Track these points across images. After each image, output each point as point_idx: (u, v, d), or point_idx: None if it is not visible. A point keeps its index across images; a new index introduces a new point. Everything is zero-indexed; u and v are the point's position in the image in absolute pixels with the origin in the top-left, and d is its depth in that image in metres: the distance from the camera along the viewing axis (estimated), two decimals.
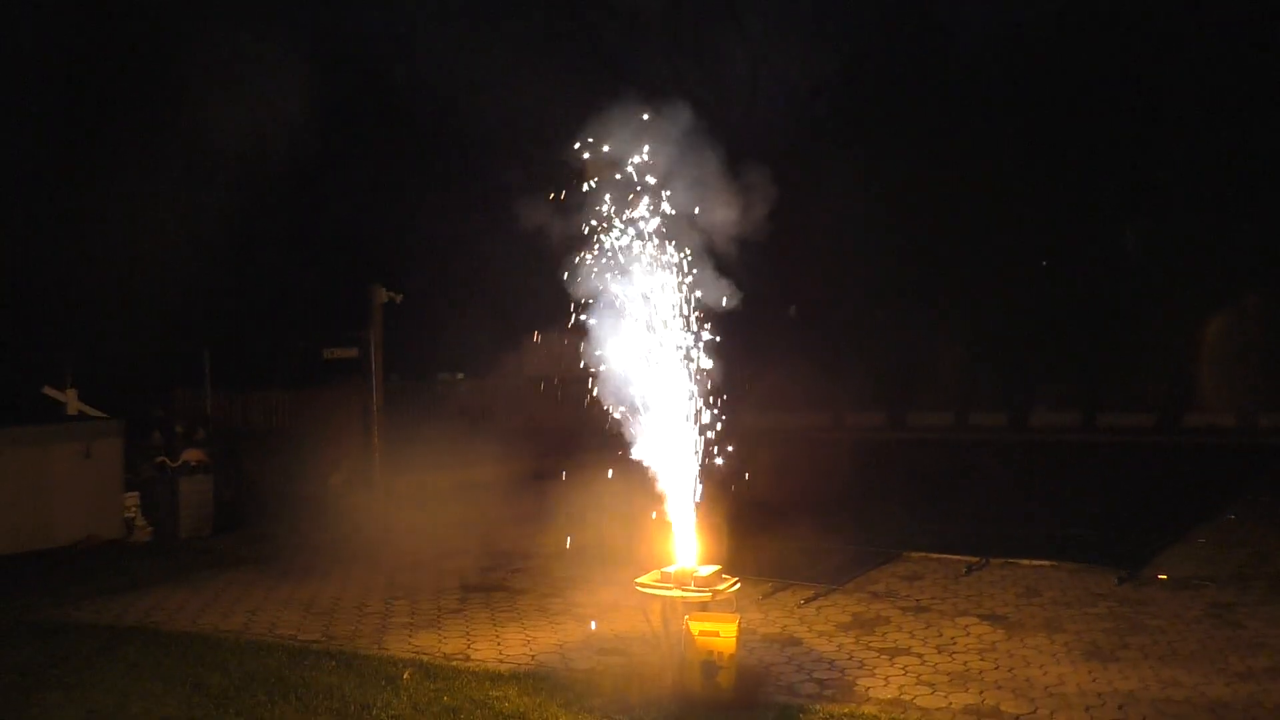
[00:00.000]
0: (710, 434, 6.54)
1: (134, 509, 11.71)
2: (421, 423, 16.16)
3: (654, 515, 6.58)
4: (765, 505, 12.35)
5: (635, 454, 6.53)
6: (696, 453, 6.55)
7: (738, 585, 6.32)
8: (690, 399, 6.53)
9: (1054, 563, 9.13)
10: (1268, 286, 22.22)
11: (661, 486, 6.51)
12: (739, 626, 5.95)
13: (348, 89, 22.32)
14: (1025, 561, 9.23)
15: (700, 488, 6.46)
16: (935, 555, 9.66)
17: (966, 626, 7.40)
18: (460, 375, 20.03)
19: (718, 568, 6.32)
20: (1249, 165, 22.54)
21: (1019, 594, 8.27)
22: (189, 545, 11.33)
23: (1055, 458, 19.23)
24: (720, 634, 5.86)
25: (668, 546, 6.48)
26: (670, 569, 6.29)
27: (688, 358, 6.63)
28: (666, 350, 6.49)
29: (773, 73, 31.29)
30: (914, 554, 9.76)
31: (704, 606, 6.06)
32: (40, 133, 19.38)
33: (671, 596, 6.08)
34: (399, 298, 14.91)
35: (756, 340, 25.03)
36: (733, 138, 30.45)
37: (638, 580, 6.26)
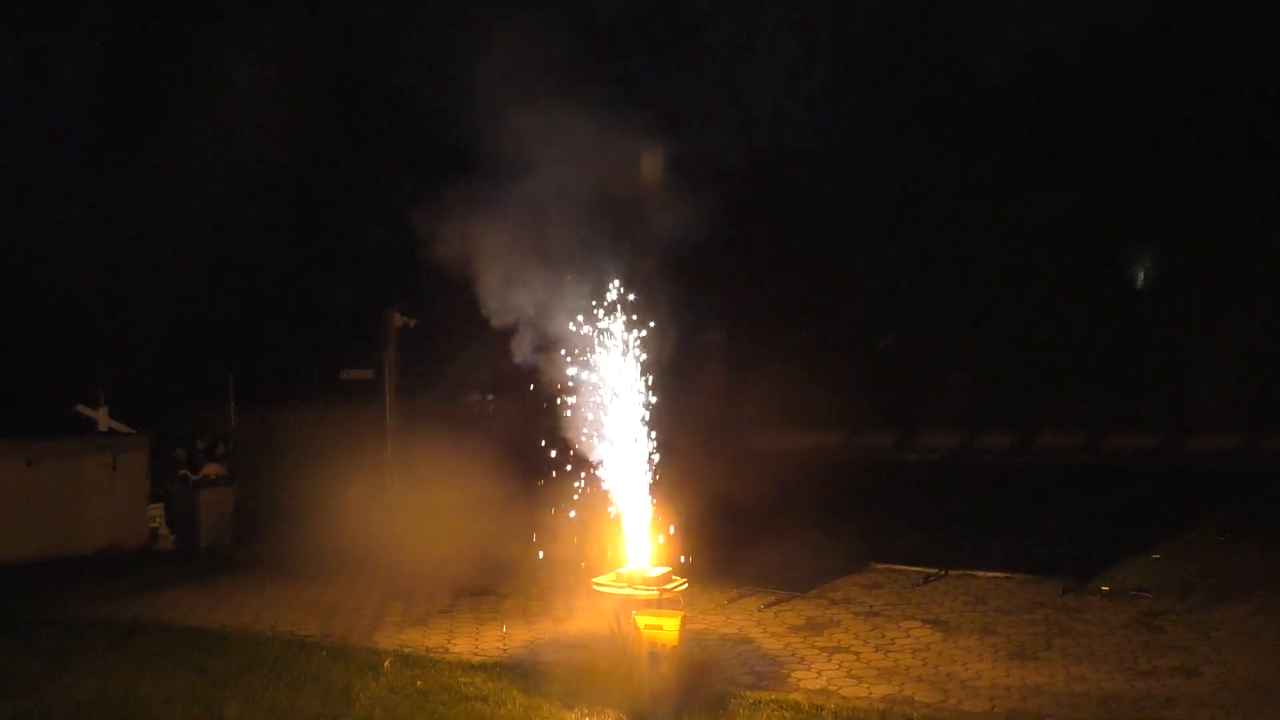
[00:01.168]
0: (657, 455, 7.24)
1: (158, 519, 12.55)
2: (442, 441, 16.92)
3: (614, 521, 7.28)
4: (750, 519, 13.02)
5: (599, 472, 7.26)
6: (649, 469, 7.28)
7: (684, 585, 6.97)
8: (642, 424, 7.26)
9: (1007, 574, 9.69)
10: (1271, 310, 22.59)
11: (619, 499, 7.22)
12: (682, 621, 6.62)
13: (375, 116, 23.30)
14: (981, 573, 9.80)
15: (651, 500, 7.16)
16: (899, 567, 10.24)
17: (909, 630, 8.00)
18: (490, 397, 20.75)
19: (668, 570, 6.99)
20: (1257, 188, 22.95)
21: (967, 602, 8.85)
22: (208, 553, 12.16)
23: (1054, 478, 19.67)
24: (664, 628, 6.53)
25: (624, 551, 7.16)
26: (625, 570, 6.97)
27: (647, 385, 7.35)
28: (624, 377, 7.20)
29: (795, 95, 32.16)
30: (880, 565, 10.35)
31: (657, 604, 6.73)
32: (73, 161, 20.51)
33: (622, 594, 6.75)
34: (413, 322, 15.73)
35: (766, 361, 25.76)
36: (755, 160, 31.32)
37: (595, 580, 6.95)
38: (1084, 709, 6.11)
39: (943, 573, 9.87)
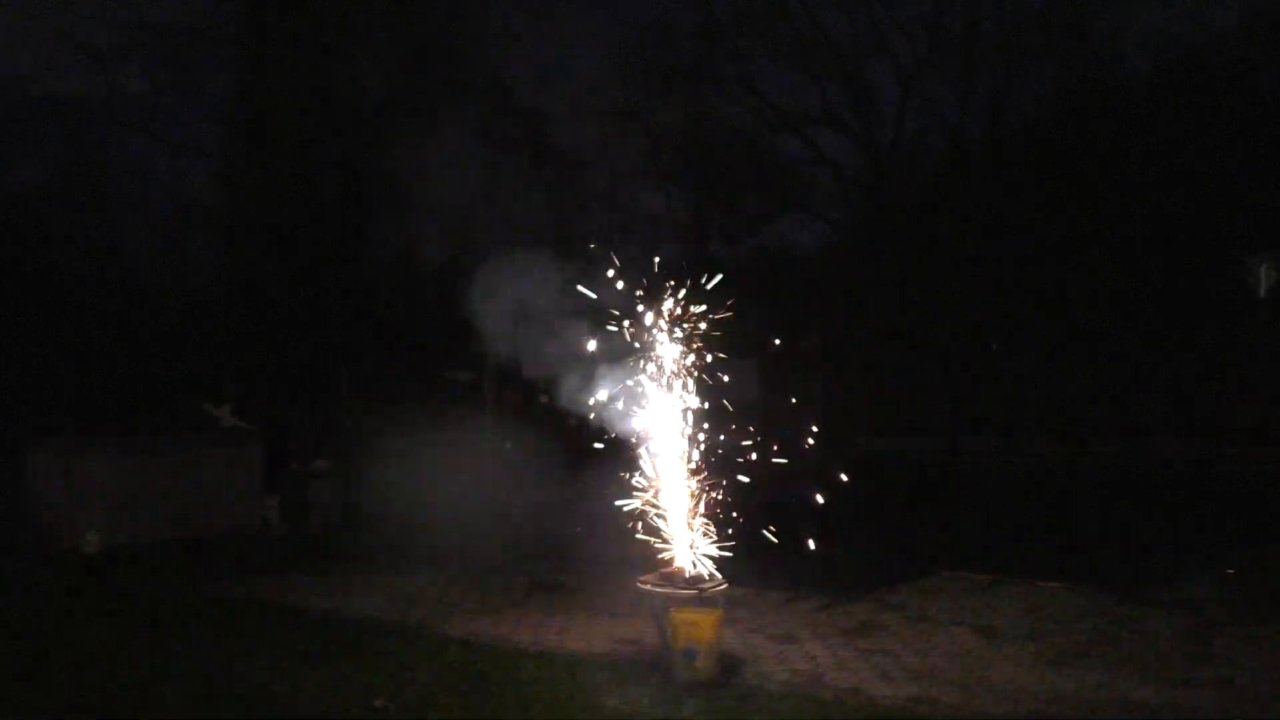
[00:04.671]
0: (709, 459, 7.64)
1: (272, 508, 13.61)
2: (547, 439, 17.68)
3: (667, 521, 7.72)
4: (831, 522, 13.32)
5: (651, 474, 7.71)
6: (698, 474, 7.70)
7: (724, 585, 7.38)
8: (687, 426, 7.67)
9: (1069, 584, 9.75)
10: None
11: (670, 500, 7.67)
12: (718, 619, 7.03)
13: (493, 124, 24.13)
14: (1043, 582, 9.87)
15: (691, 502, 7.58)
16: (964, 574, 10.39)
17: (955, 635, 8.22)
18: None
19: (709, 569, 7.41)
20: None
21: (1020, 609, 8.98)
22: (315, 540, 13.13)
23: (1161, 486, 19.28)
24: (700, 625, 6.96)
25: (673, 552, 7.60)
26: (668, 570, 7.43)
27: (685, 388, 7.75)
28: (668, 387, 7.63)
29: (921, 103, 31.85)
30: (946, 571, 10.52)
31: (696, 603, 7.16)
32: (207, 169, 21.99)
33: (663, 593, 7.21)
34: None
35: (875, 365, 25.74)
36: (879, 164, 31.13)
37: (639, 579, 7.43)
38: (1104, 714, 6.28)
39: (1005, 580, 9.99)
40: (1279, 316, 22.34)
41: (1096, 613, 8.79)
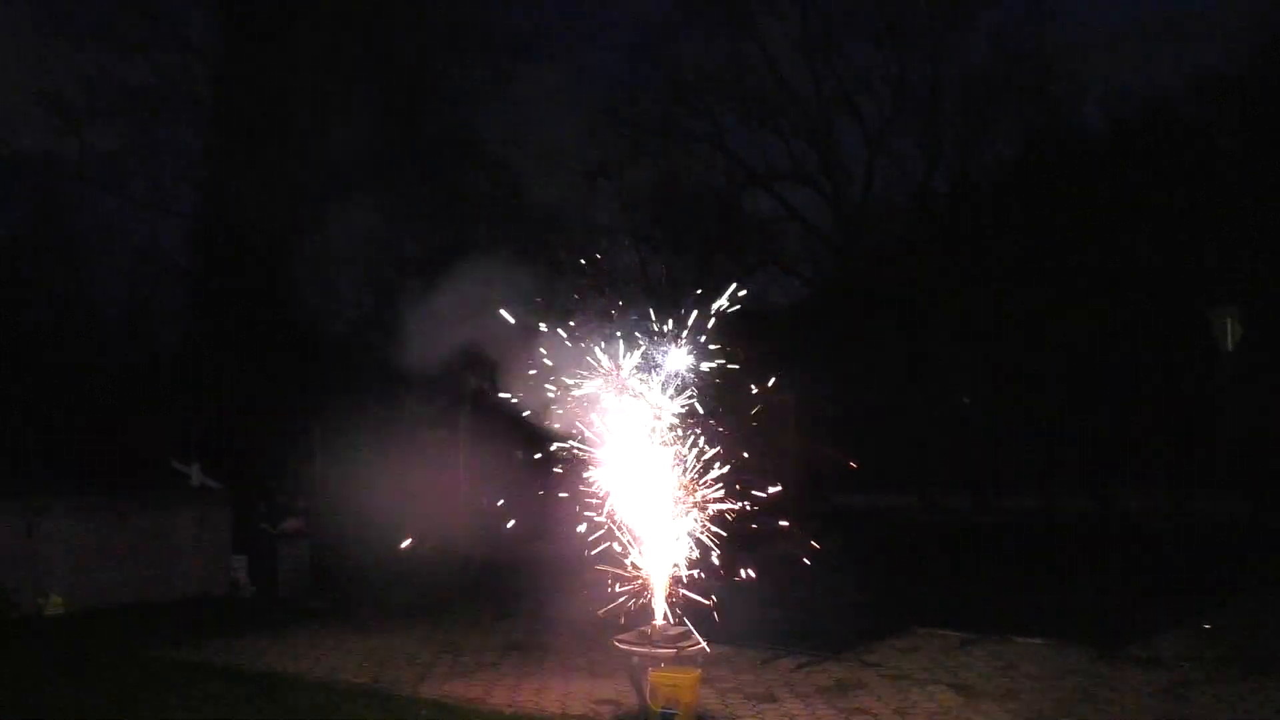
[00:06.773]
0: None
1: (240, 569, 13.37)
2: (527, 499, 17.56)
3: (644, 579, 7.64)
4: (803, 580, 13.26)
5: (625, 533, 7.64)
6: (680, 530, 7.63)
7: (701, 645, 7.31)
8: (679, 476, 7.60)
9: (1045, 640, 9.76)
10: None
11: (646, 557, 7.60)
12: (696, 679, 6.96)
13: (468, 183, 24.22)
14: (1020, 639, 9.88)
15: (675, 560, 7.51)
16: (940, 631, 10.37)
17: (933, 693, 8.17)
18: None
19: (686, 628, 7.34)
20: None
21: (998, 667, 8.96)
22: (284, 603, 12.90)
23: (1131, 541, 19.38)
24: (678, 685, 6.88)
25: (652, 609, 7.52)
26: (645, 628, 7.35)
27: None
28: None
29: (888, 160, 32.32)
30: (921, 629, 10.50)
31: (675, 662, 7.09)
32: (174, 226, 21.89)
33: (640, 652, 7.13)
34: (487, 385, 16.44)
35: (847, 421, 25.78)
36: (848, 219, 31.43)
37: (616, 638, 7.34)
38: None
39: (981, 637, 9.98)
40: (1242, 369, 22.73)
41: (1072, 670, 8.79)
